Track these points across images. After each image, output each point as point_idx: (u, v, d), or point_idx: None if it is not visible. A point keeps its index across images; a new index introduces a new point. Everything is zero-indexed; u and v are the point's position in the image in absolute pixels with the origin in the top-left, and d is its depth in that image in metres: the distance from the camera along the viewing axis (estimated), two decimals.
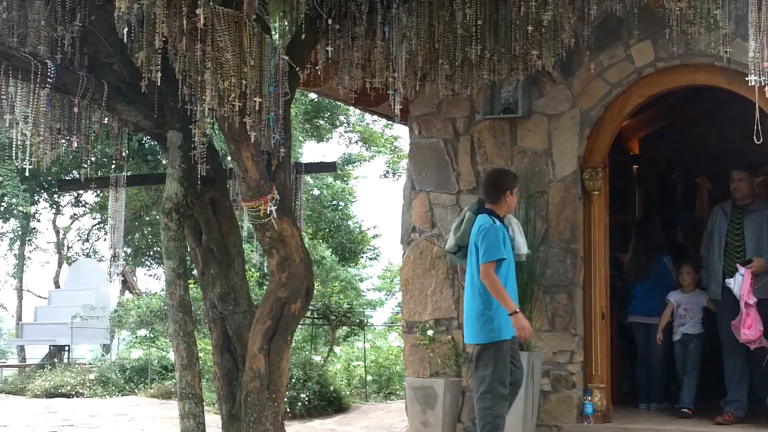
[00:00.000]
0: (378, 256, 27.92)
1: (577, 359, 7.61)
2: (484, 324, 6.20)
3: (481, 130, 8.17)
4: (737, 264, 7.53)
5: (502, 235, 6.22)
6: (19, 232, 21.52)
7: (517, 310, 6.18)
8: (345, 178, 24.92)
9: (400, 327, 9.55)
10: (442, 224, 8.19)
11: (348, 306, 13.61)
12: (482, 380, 6.20)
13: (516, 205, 6.70)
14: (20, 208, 18.26)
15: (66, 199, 21.73)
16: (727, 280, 7.54)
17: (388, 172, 25.23)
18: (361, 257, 26.12)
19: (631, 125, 9.71)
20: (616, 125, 7.87)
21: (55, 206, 22.55)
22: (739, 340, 7.39)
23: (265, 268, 14.57)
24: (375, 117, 18.71)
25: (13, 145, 5.72)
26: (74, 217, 24.51)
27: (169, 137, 6.11)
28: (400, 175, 24.72)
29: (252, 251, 9.89)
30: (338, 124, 22.89)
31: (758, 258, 7.54)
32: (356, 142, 25.15)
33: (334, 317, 12.60)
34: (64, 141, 6.12)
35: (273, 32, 6.23)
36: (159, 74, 5.31)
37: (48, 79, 5.55)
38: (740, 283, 7.32)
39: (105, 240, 24.10)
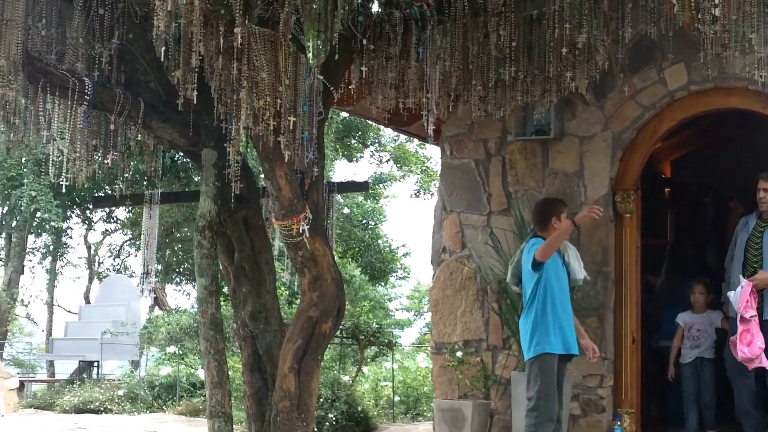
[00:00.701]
0: (407, 275, 27.89)
1: (607, 383, 7.55)
2: (532, 338, 6.21)
3: (512, 151, 8.15)
4: (740, 276, 7.09)
5: (538, 241, 6.30)
6: (51, 248, 21.69)
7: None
8: (375, 198, 24.94)
9: (429, 347, 9.53)
10: (473, 245, 8.17)
11: (377, 326, 13.58)
12: (529, 399, 6.19)
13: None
14: (52, 224, 18.42)
15: (98, 214, 21.91)
16: (728, 293, 7.11)
17: (419, 191, 25.21)
18: (391, 277, 26.09)
19: (663, 148, 9.65)
20: (648, 148, 7.83)
21: (86, 222, 22.74)
22: (737, 358, 6.85)
23: (294, 286, 14.64)
24: (407, 136, 18.72)
25: (50, 162, 5.79)
26: (106, 233, 24.69)
27: (203, 155, 6.15)
28: (431, 195, 24.71)
29: (282, 269, 9.93)
30: (369, 143, 22.93)
31: (765, 271, 7.09)
32: (387, 161, 25.17)
33: (363, 337, 12.58)
34: (99, 157, 6.17)
35: (307, 51, 6.26)
36: (195, 92, 5.35)
37: (85, 96, 5.62)
38: (739, 295, 6.80)
39: (136, 256, 24.28)
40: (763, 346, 6.62)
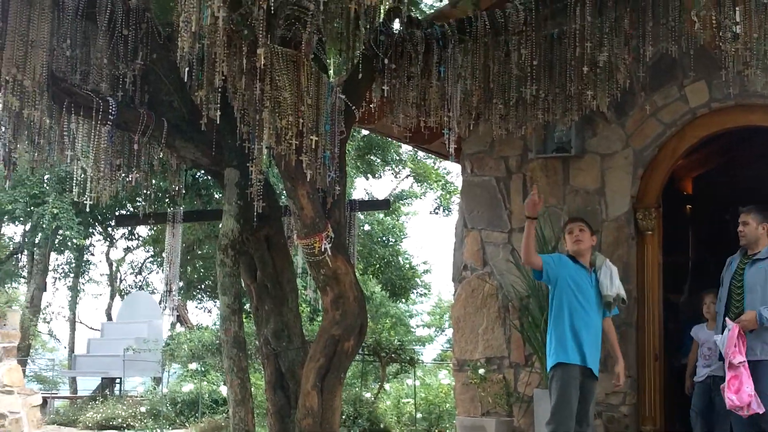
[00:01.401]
0: (428, 293, 27.87)
1: (630, 401, 7.53)
2: (549, 350, 6.23)
3: (533, 168, 8.16)
4: (726, 318, 6.55)
5: (556, 257, 6.41)
6: (73, 265, 21.81)
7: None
8: (396, 214, 24.96)
9: (451, 364, 9.52)
10: (494, 262, 8.18)
11: (399, 343, 13.58)
12: (549, 412, 6.18)
13: (573, 242, 6.57)
14: (74, 241, 18.54)
15: (119, 231, 22.03)
16: (715, 337, 6.66)
17: (438, 207, 25.21)
18: (411, 293, 26.07)
19: (684, 165, 9.63)
20: (669, 165, 7.82)
21: (108, 239, 22.87)
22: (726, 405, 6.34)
23: (315, 303, 14.66)
24: (427, 153, 18.73)
25: (73, 181, 5.84)
26: (127, 250, 24.83)
27: (226, 174, 6.19)
28: (450, 211, 24.70)
29: (303, 286, 9.96)
30: (390, 160, 22.98)
31: (750, 310, 6.42)
32: (407, 177, 25.21)
33: (384, 354, 12.58)
34: (122, 176, 6.22)
35: (329, 71, 6.30)
36: (218, 112, 5.39)
37: (109, 116, 5.67)
38: (726, 339, 6.32)
39: (158, 273, 24.38)
40: (753, 393, 6.17)
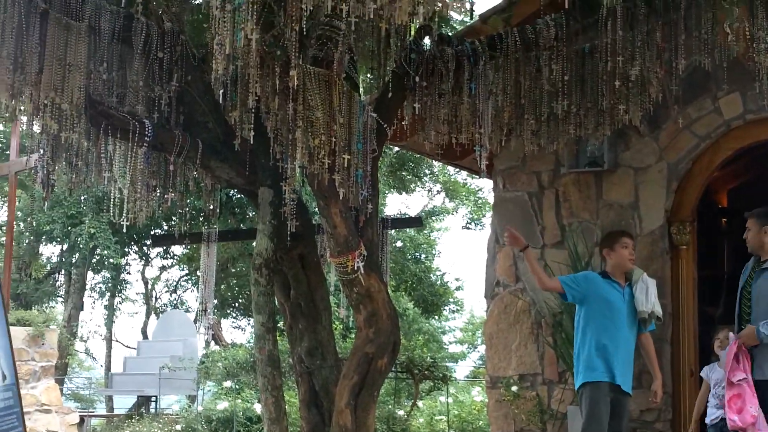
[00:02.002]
0: (460, 309, 27.80)
1: (665, 417, 7.45)
2: (577, 369, 6.23)
3: (566, 183, 8.13)
4: (729, 333, 6.35)
5: (581, 276, 6.49)
6: (110, 284, 22.00)
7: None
8: (428, 230, 24.95)
9: (484, 381, 9.49)
10: (527, 278, 8.15)
11: (431, 360, 13.55)
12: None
13: (628, 258, 6.53)
14: (111, 260, 18.71)
15: (155, 250, 22.20)
16: (720, 351, 6.43)
17: (470, 223, 25.18)
18: (444, 310, 26.02)
19: (719, 177, 9.57)
20: (704, 178, 7.76)
21: (144, 258, 23.05)
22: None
23: (348, 321, 14.67)
24: (459, 169, 18.74)
25: (111, 202, 5.91)
26: (163, 269, 25.01)
27: (260, 194, 6.24)
28: (483, 226, 24.66)
29: (336, 303, 9.98)
30: (422, 176, 23.00)
31: (751, 325, 6.06)
32: (439, 193, 25.21)
33: (417, 371, 12.56)
34: (158, 197, 6.29)
35: (360, 87, 6.34)
36: (251, 132, 5.44)
37: (145, 138, 5.74)
38: (724, 355, 6.09)
39: (192, 291, 24.54)
40: (757, 413, 5.81)
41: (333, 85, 5.34)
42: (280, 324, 8.14)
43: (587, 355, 6.18)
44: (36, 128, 5.97)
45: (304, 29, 5.07)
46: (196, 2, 6.41)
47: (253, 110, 5.44)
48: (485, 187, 24.36)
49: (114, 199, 5.98)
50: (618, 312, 6.25)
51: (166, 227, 18.35)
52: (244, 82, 5.25)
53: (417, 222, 10.59)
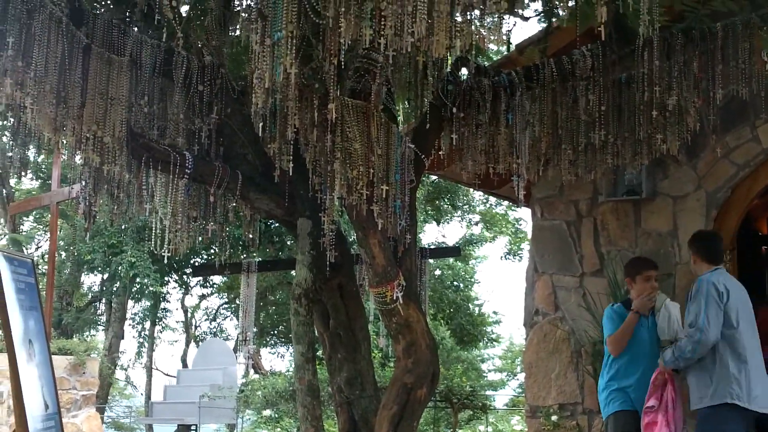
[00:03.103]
0: (498, 338, 27.67)
1: None
2: (600, 399, 6.26)
3: (604, 211, 8.11)
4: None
5: (614, 315, 6.45)
6: (150, 312, 22.17)
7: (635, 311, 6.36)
8: (466, 259, 24.91)
9: (524, 410, 9.44)
10: (566, 307, 8.12)
11: (470, 389, 13.51)
12: None
13: (650, 290, 6.54)
14: (151, 289, 18.87)
15: (194, 279, 22.35)
16: None
17: (509, 252, 25.11)
18: (482, 339, 25.92)
19: (759, 205, 9.50)
20: (743, 206, 7.71)
21: (184, 286, 23.21)
22: None
23: (386, 350, 14.65)
24: (497, 198, 18.74)
25: (152, 233, 5.99)
26: (202, 297, 25.17)
27: (299, 224, 6.29)
28: (521, 257, 24.59)
29: (375, 332, 9.99)
30: (459, 204, 23.00)
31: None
32: (477, 223, 25.18)
33: (456, 400, 12.52)
34: (199, 228, 6.35)
35: (398, 118, 6.38)
36: (290, 164, 5.49)
37: (186, 170, 5.81)
38: None
39: (231, 319, 24.65)
40: None
41: (371, 117, 5.37)
42: (320, 353, 8.17)
43: (611, 386, 6.23)
44: (78, 160, 6.06)
45: (342, 62, 5.12)
46: (235, 34, 6.48)
47: (291, 142, 5.48)
48: (524, 217, 24.34)
49: (155, 230, 6.06)
50: (641, 343, 6.29)
51: (205, 256, 18.50)
52: (283, 114, 5.30)
53: (455, 252, 10.60)
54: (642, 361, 6.30)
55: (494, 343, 27.42)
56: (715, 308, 5.73)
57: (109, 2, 6.50)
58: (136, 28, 5.92)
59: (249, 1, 4.94)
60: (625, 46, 6.00)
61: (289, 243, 17.22)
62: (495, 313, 26.60)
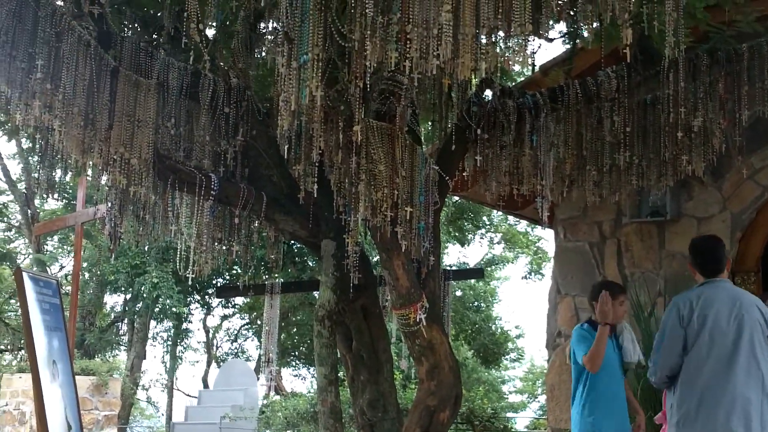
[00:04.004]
0: (521, 358, 27.57)
1: None
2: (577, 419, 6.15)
3: (627, 233, 8.10)
4: None
5: (586, 333, 6.14)
6: (172, 333, 22.23)
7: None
8: (487, 279, 24.86)
9: None
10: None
11: (492, 411, 13.45)
12: None
13: (624, 312, 6.47)
14: (173, 309, 18.94)
15: (216, 299, 22.41)
16: None
17: (530, 273, 25.05)
18: (503, 359, 25.82)
19: None
20: None
21: (206, 307, 23.27)
22: None
23: (410, 372, 14.61)
24: (519, 219, 18.71)
25: (177, 255, 6.01)
26: (224, 318, 25.21)
27: (323, 246, 6.29)
28: (542, 277, 24.53)
29: (397, 353, 9.97)
30: (481, 225, 22.99)
31: None
32: (498, 243, 25.15)
33: (478, 422, 12.47)
34: (223, 249, 6.37)
35: (422, 139, 6.39)
36: (315, 186, 5.51)
37: (212, 192, 5.83)
38: None
39: (253, 340, 24.68)
40: None
41: (395, 139, 5.38)
42: (342, 374, 8.16)
43: (586, 407, 6.10)
44: (103, 181, 6.10)
45: (367, 84, 5.13)
46: (261, 57, 6.52)
47: (316, 164, 5.51)
48: (545, 237, 24.28)
49: (180, 251, 6.08)
50: (611, 363, 6.18)
51: (227, 276, 18.55)
52: (308, 136, 5.33)
53: (478, 273, 10.58)
54: (614, 378, 6.23)
55: (518, 360, 27.33)
56: (671, 334, 5.08)
57: (136, 25, 6.56)
58: (163, 51, 5.96)
59: (275, 24, 4.98)
60: (650, 68, 6.00)
61: (311, 264, 17.24)
62: (517, 327, 26.54)
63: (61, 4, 5.61)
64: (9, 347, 24.49)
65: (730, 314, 4.98)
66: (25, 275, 6.59)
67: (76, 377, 7.12)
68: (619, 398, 6.17)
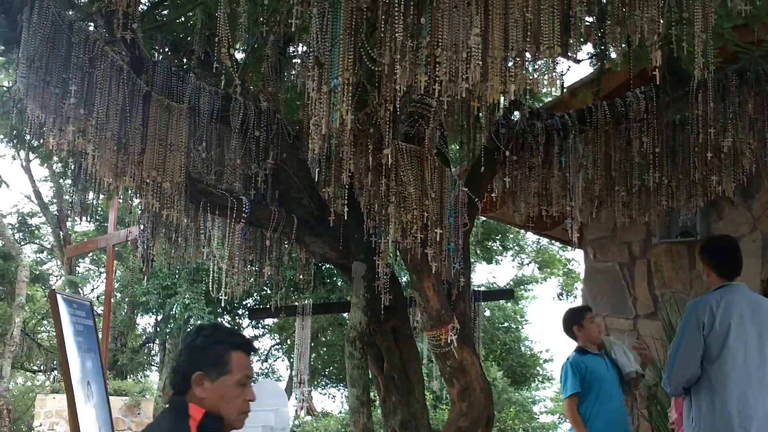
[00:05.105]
0: (551, 379, 27.40)
1: None
2: None
3: (657, 253, 8.08)
4: None
5: (573, 369, 6.31)
6: None
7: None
8: (516, 299, 24.78)
9: None
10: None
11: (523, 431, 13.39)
12: None
13: (599, 331, 6.53)
14: None
15: (246, 320, 22.49)
16: None
17: (561, 293, 24.94)
18: (534, 380, 25.68)
19: None
20: None
21: (236, 327, 23.36)
22: None
23: (441, 393, 14.58)
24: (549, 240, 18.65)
25: (209, 277, 6.07)
26: (254, 338, 25.25)
27: (353, 268, 6.32)
28: (574, 297, 24.41)
29: (427, 374, 9.97)
30: (510, 245, 22.94)
31: None
32: (528, 264, 25.08)
33: None
34: (254, 271, 6.42)
35: (450, 161, 6.41)
36: (345, 208, 5.54)
37: (243, 214, 5.89)
38: None
39: (283, 360, 24.71)
40: None
41: (424, 161, 5.40)
42: (373, 395, 8.18)
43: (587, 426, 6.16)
44: (135, 204, 6.17)
45: (397, 107, 5.17)
46: (290, 80, 6.58)
47: (346, 186, 5.54)
48: (576, 257, 24.18)
49: (212, 273, 6.13)
50: (608, 381, 6.23)
51: (257, 297, 18.61)
52: (338, 159, 5.38)
53: (508, 294, 10.57)
54: (613, 398, 6.24)
55: (548, 380, 27.15)
56: (689, 342, 4.85)
57: (167, 50, 6.65)
58: (194, 75, 6.04)
59: (305, 47, 5.04)
60: (678, 88, 6.00)
61: (339, 285, 17.28)
62: (547, 350, 26.38)
63: (94, 29, 5.70)
64: (42, 368, 24.71)
65: (752, 321, 4.79)
66: (59, 297, 6.68)
67: (109, 398, 7.19)
68: (618, 414, 6.23)
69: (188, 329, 19.19)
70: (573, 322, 6.56)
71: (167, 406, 2.98)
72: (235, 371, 3.01)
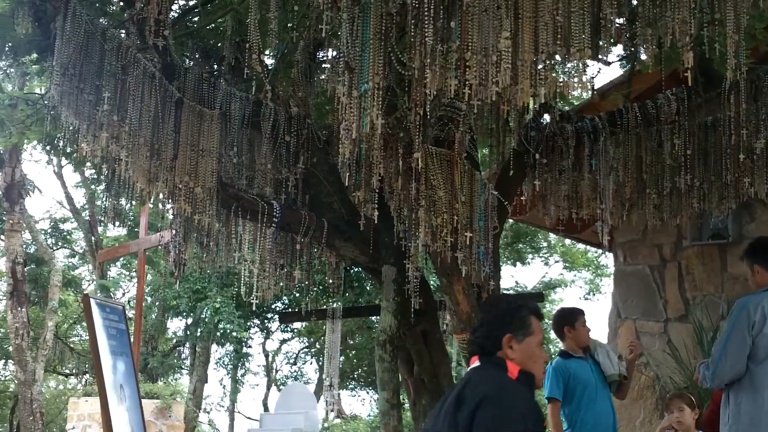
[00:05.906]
0: None
1: None
2: None
3: (688, 256, 8.02)
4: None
5: (555, 374, 6.11)
6: (232, 356, 22.42)
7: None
8: (544, 302, 24.65)
9: None
10: (650, 353, 8.01)
11: None
12: None
13: (588, 335, 6.42)
14: (234, 333, 19.10)
15: (275, 323, 22.58)
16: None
17: (589, 293, 24.82)
18: None
19: None
20: None
21: (265, 330, 23.43)
22: None
23: None
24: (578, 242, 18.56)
25: (240, 281, 6.10)
26: (283, 341, 25.37)
27: (384, 272, 6.33)
28: (603, 294, 24.29)
29: (457, 377, 9.95)
30: (538, 248, 22.85)
31: None
32: (557, 262, 24.97)
33: None
34: (285, 275, 6.44)
35: (480, 165, 6.40)
36: (375, 212, 5.56)
37: (274, 219, 5.92)
38: None
39: (312, 363, 24.77)
40: None
41: (454, 165, 5.41)
42: (403, 398, 8.18)
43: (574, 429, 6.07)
44: (166, 208, 6.22)
45: (427, 111, 5.18)
46: (320, 85, 6.60)
47: (376, 190, 5.55)
48: (603, 257, 24.04)
49: (243, 277, 6.17)
50: (592, 384, 6.13)
51: (286, 300, 18.67)
52: (368, 163, 5.39)
53: (538, 297, 10.51)
54: (598, 401, 6.17)
55: None
56: (739, 340, 4.75)
57: (198, 56, 6.70)
58: (224, 81, 6.08)
59: (335, 52, 5.06)
60: (710, 90, 5.96)
61: (368, 288, 17.29)
62: None
63: (126, 37, 5.76)
64: (74, 371, 24.93)
65: None
66: (92, 302, 6.73)
67: (141, 401, 7.24)
68: (604, 418, 6.14)
69: (218, 333, 19.31)
70: (565, 322, 6.41)
71: (479, 366, 3.23)
72: (536, 333, 3.25)
